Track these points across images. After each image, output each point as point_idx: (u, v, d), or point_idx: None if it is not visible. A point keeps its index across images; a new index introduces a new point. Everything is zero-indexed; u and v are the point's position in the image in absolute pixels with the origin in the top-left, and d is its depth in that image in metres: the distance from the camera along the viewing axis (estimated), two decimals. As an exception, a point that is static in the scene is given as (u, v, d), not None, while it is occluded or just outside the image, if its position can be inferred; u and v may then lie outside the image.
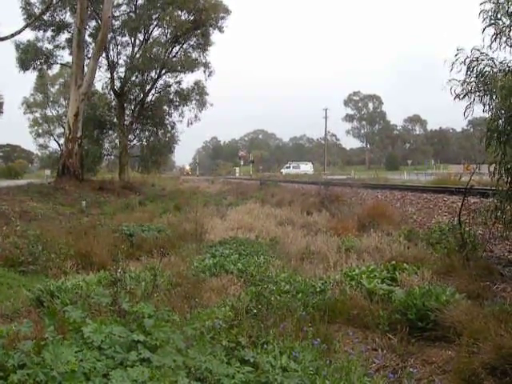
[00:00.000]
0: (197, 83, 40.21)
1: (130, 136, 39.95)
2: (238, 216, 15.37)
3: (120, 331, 3.50)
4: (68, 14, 35.82)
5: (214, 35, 39.27)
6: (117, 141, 40.97)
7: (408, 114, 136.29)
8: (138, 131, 41.73)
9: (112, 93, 38.98)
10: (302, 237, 11.19)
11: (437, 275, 7.16)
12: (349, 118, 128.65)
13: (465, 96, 7.68)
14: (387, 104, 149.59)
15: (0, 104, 61.93)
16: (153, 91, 40.12)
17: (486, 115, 7.81)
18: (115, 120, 39.97)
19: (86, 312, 4.02)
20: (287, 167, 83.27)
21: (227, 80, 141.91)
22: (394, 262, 7.45)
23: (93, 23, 36.71)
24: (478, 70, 7.56)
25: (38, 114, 74.12)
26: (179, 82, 40.28)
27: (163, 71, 38.53)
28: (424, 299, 5.45)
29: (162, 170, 55.84)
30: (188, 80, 47.18)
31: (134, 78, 38.09)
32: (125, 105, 39.07)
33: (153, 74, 38.52)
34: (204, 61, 39.56)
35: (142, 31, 38.55)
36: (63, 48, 37.11)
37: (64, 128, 35.95)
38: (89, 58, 31.48)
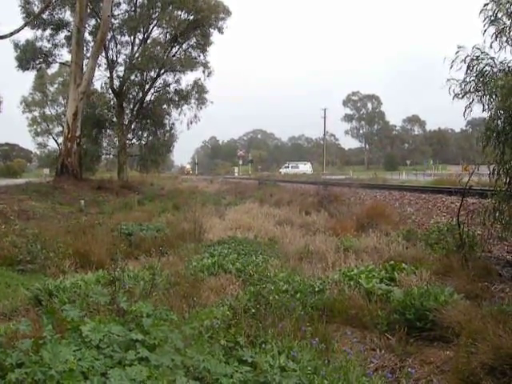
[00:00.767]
0: (196, 82, 40.18)
1: (128, 135, 39.86)
2: (237, 216, 15.37)
3: (118, 330, 3.50)
4: (67, 12, 35.75)
5: (214, 35, 39.25)
6: (116, 140, 40.91)
7: (407, 114, 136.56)
8: (136, 130, 41.66)
9: (111, 92, 38.91)
10: (300, 236, 11.20)
11: (435, 275, 7.16)
12: (348, 118, 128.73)
13: (464, 95, 7.68)
14: (386, 104, 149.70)
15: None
16: (152, 90, 40.07)
17: (485, 115, 7.82)
18: (114, 119, 39.87)
19: (84, 311, 4.02)
20: (286, 167, 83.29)
21: (226, 79, 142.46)
22: (392, 262, 7.45)
23: (92, 22, 36.67)
24: (478, 69, 7.56)
25: (36, 113, 74.18)
26: (178, 82, 40.28)
27: (162, 70, 38.45)
28: (422, 299, 5.45)
29: (160, 169, 55.80)
30: (187, 79, 47.19)
31: (133, 78, 37.99)
32: (124, 104, 39.00)
33: (152, 73, 38.45)
34: (203, 61, 39.58)
35: (142, 30, 38.48)
36: (62, 47, 37.09)
37: (63, 127, 35.97)
38: (88, 57, 31.47)
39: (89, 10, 33.00)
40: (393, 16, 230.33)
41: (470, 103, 7.71)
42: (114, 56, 38.72)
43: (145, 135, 42.31)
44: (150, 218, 15.44)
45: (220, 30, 38.64)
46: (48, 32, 36.13)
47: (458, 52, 7.63)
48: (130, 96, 39.70)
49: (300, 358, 4.00)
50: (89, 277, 6.97)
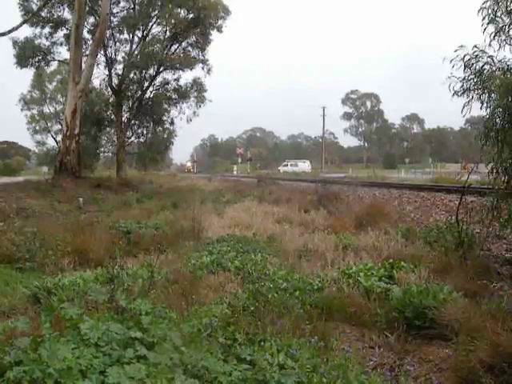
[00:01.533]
0: (195, 80, 40.11)
1: (127, 133, 39.87)
2: (236, 214, 15.37)
3: (117, 328, 3.49)
4: (66, 10, 35.64)
5: (214, 32, 39.17)
6: (114, 138, 40.88)
7: (406, 112, 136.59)
8: (135, 128, 41.65)
9: (110, 90, 38.86)
10: (299, 235, 11.20)
11: (434, 273, 7.16)
12: (347, 116, 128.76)
13: (463, 93, 7.68)
14: (385, 102, 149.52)
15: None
16: (151, 88, 40.02)
17: (484, 114, 7.82)
18: (113, 117, 39.85)
19: (82, 309, 4.01)
20: (285, 165, 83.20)
21: (225, 77, 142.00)
22: (391, 260, 7.44)
23: (91, 20, 36.57)
24: (477, 68, 7.56)
25: (35, 111, 74.04)
26: (177, 80, 40.22)
27: (161, 68, 38.41)
28: (421, 297, 5.45)
29: (159, 167, 55.81)
30: (187, 77, 47.28)
31: (132, 75, 37.96)
32: (122, 102, 38.95)
33: (151, 71, 38.38)
34: (203, 59, 39.50)
35: (141, 28, 38.44)
36: (61, 45, 36.99)
37: (61, 125, 35.90)
38: (87, 55, 31.42)
39: (87, 8, 32.93)
40: (393, 14, 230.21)
41: (469, 101, 7.71)
42: (113, 54, 38.72)
43: (144, 133, 42.33)
44: (148, 215, 15.43)
45: (219, 29, 38.56)
46: (47, 30, 36.06)
47: (456, 51, 7.64)
48: (129, 94, 39.63)
49: (299, 355, 4.00)
50: (87, 275, 6.97)
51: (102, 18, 29.34)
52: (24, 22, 32.41)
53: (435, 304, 5.26)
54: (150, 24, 38.51)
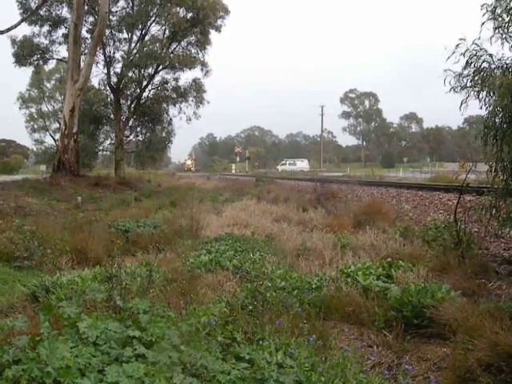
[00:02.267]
0: (195, 80, 40.08)
1: (126, 132, 39.85)
2: (234, 212, 15.37)
3: (115, 327, 3.49)
4: (65, 9, 35.67)
5: (213, 32, 39.14)
6: (113, 136, 40.88)
7: (404, 111, 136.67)
8: (134, 127, 41.63)
9: (108, 88, 38.83)
10: (297, 233, 11.20)
11: (432, 272, 7.18)
12: (345, 115, 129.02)
13: (462, 89, 7.67)
14: (383, 102, 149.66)
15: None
16: (150, 87, 40.06)
17: (483, 113, 7.81)
18: (111, 115, 39.86)
19: (81, 307, 4.01)
20: (283, 164, 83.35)
21: (223, 75, 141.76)
22: (389, 259, 7.44)
23: (90, 19, 36.57)
24: (477, 65, 7.55)
25: (33, 110, 73.97)
26: (177, 79, 40.21)
27: (160, 67, 38.40)
28: (419, 296, 5.46)
29: (158, 166, 55.77)
30: (186, 77, 47.31)
31: (130, 74, 37.96)
32: (121, 100, 38.92)
33: (150, 70, 38.37)
34: (202, 59, 39.48)
35: (140, 27, 38.43)
36: (60, 44, 36.98)
37: (60, 123, 35.85)
38: (85, 54, 31.37)
39: (86, 7, 32.90)
40: (393, 14, 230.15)
41: (467, 98, 7.70)
42: (112, 53, 38.70)
43: (142, 131, 42.29)
44: (146, 214, 15.42)
45: (218, 29, 38.57)
46: (45, 28, 36.05)
47: (458, 45, 7.61)
48: (128, 93, 39.64)
49: (297, 354, 4.00)
50: (86, 273, 6.96)
51: (100, 17, 29.28)
52: (22, 20, 32.37)
53: (433, 303, 5.26)
54: (149, 23, 38.54)
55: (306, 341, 4.41)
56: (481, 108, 7.69)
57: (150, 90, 40.33)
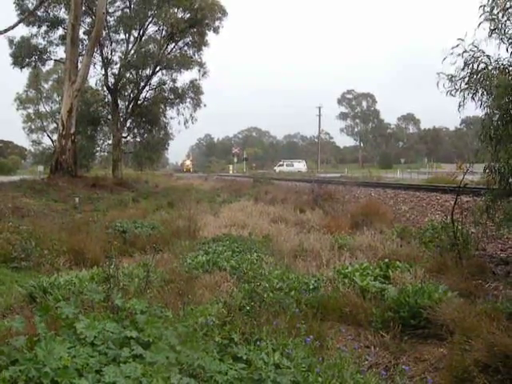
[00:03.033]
0: (192, 82, 40.12)
1: (123, 133, 39.83)
2: (232, 213, 15.35)
3: (113, 327, 3.50)
4: (62, 9, 35.63)
5: (210, 33, 39.17)
6: (110, 137, 40.84)
7: (402, 112, 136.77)
8: (132, 128, 41.64)
9: (106, 89, 38.85)
10: (295, 234, 11.20)
11: (429, 273, 7.18)
12: (343, 116, 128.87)
13: (457, 92, 7.68)
14: (381, 102, 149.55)
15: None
16: (147, 88, 40.07)
17: (480, 114, 7.84)
18: (109, 116, 39.85)
19: (78, 308, 4.01)
20: (281, 165, 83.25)
21: (221, 76, 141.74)
22: (386, 260, 7.45)
23: (88, 19, 36.57)
24: (474, 67, 7.56)
25: (31, 110, 73.75)
26: (174, 80, 40.21)
27: (158, 68, 38.43)
28: (417, 297, 5.46)
29: (155, 166, 55.72)
30: (183, 79, 47.27)
31: (128, 75, 37.96)
32: (119, 101, 38.95)
33: (147, 70, 38.41)
34: (199, 60, 39.51)
35: (137, 28, 38.44)
36: (57, 45, 36.97)
37: (57, 124, 35.83)
38: (83, 55, 31.35)
39: (84, 8, 32.89)
40: (392, 14, 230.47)
41: (464, 99, 7.71)
42: (109, 54, 38.74)
43: (140, 132, 42.28)
44: (144, 215, 15.41)
45: (216, 30, 38.62)
46: (43, 29, 36.03)
47: (458, 46, 7.62)
48: (125, 93, 39.66)
49: (294, 355, 4.00)
50: (83, 274, 6.95)
51: (98, 17, 29.29)
52: (20, 21, 32.34)
53: (430, 304, 5.27)
54: (147, 24, 38.57)
55: (303, 341, 4.41)
56: (476, 109, 7.72)
57: (147, 91, 40.41)
